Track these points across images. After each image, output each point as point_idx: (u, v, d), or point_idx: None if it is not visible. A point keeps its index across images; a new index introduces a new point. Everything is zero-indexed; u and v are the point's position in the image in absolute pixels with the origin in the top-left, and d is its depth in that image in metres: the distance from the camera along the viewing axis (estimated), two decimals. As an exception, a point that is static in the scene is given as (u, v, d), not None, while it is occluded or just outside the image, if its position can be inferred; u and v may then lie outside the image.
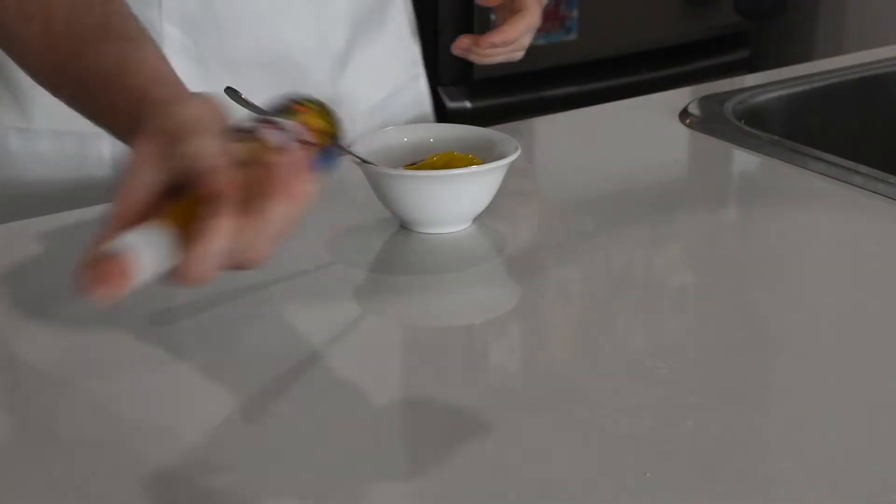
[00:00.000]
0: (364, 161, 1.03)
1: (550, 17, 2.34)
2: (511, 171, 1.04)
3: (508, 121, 1.30)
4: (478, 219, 1.05)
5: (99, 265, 0.67)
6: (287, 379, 0.85)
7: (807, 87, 1.36)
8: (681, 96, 1.33)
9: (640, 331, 0.92)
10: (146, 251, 0.67)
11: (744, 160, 1.20)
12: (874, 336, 0.89)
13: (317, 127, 0.80)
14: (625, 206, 1.10)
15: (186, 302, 0.95)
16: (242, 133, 0.75)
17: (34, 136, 1.17)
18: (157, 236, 0.68)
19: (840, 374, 0.84)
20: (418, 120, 1.29)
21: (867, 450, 0.76)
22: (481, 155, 1.05)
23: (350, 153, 1.04)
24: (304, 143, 0.77)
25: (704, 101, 1.29)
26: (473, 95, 2.35)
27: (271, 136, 0.75)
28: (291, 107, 0.81)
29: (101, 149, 1.16)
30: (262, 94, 0.91)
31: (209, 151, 0.71)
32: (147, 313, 0.93)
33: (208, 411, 0.81)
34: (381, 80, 1.25)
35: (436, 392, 0.84)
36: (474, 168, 1.02)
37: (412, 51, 1.29)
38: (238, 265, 0.72)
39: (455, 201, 1.03)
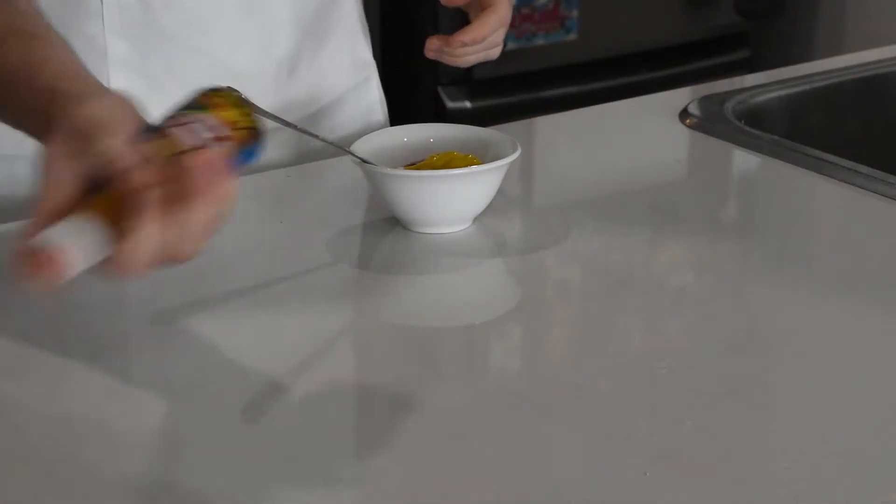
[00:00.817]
0: (364, 161, 1.03)
1: (550, 17, 2.34)
2: (511, 170, 1.04)
3: (508, 121, 1.30)
4: (478, 219, 1.05)
5: (29, 258, 0.69)
6: (287, 379, 0.85)
7: (807, 87, 1.36)
8: (681, 96, 1.33)
9: (640, 331, 0.92)
10: (75, 243, 0.70)
11: (744, 160, 1.20)
12: (874, 336, 0.89)
13: (233, 120, 0.80)
14: (625, 206, 1.10)
15: (186, 302, 0.95)
16: (154, 132, 0.75)
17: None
18: (85, 229, 0.70)
19: (840, 375, 0.84)
20: (370, 124, 1.26)
21: (867, 450, 0.76)
22: (481, 155, 1.05)
23: (350, 153, 1.04)
24: (220, 139, 0.78)
25: (704, 101, 1.29)
26: (473, 95, 2.35)
27: (184, 135, 0.76)
28: (207, 100, 0.81)
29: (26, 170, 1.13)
30: None
31: (119, 152, 0.72)
32: (147, 313, 0.93)
33: (208, 412, 0.81)
34: (328, 84, 1.23)
35: (435, 392, 0.84)
36: (474, 168, 1.02)
37: (361, 51, 1.26)
38: (168, 260, 0.73)
39: (455, 201, 1.03)
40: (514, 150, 1.03)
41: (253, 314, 0.93)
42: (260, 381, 0.85)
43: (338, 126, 1.23)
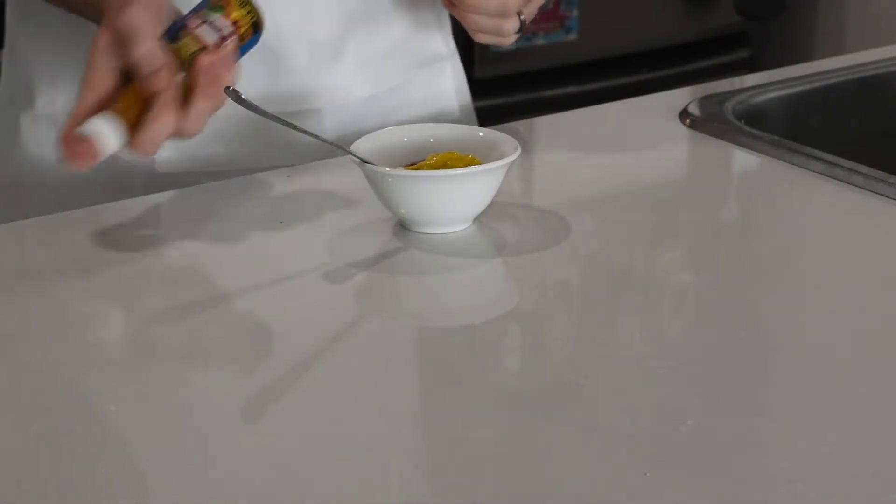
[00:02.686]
0: (364, 161, 1.03)
1: (550, 17, 2.34)
2: (511, 171, 1.04)
3: (508, 121, 1.30)
4: (478, 219, 1.05)
5: (73, 145, 0.92)
6: (287, 379, 0.85)
7: (807, 87, 1.36)
8: (681, 96, 1.33)
9: (640, 331, 0.92)
10: (108, 133, 0.92)
11: (744, 160, 1.20)
12: (874, 336, 0.89)
13: (238, 18, 1.01)
14: (625, 206, 1.10)
15: (186, 302, 0.95)
16: (177, 32, 0.97)
17: (39, 120, 1.20)
18: (115, 122, 0.93)
19: (840, 374, 0.84)
20: (441, 112, 1.28)
21: (867, 450, 0.76)
22: (481, 155, 1.05)
23: (350, 153, 1.04)
24: (227, 37, 0.99)
25: (704, 101, 1.29)
26: (473, 95, 2.35)
27: (201, 34, 0.98)
28: (219, 1, 1.00)
29: None
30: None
31: (147, 57, 0.93)
32: (147, 313, 0.93)
33: (208, 412, 0.82)
34: (382, 75, 1.24)
35: (435, 392, 0.84)
36: (474, 168, 1.02)
37: (433, 44, 1.28)
38: (175, 137, 0.95)
39: (455, 201, 1.03)
40: (514, 150, 1.03)
41: (253, 314, 0.93)
42: (260, 381, 0.85)
43: (401, 113, 1.25)
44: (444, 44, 1.30)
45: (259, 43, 1.10)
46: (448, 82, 1.31)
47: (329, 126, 1.21)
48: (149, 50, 0.94)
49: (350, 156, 1.04)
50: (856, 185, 1.11)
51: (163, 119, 0.93)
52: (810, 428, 0.78)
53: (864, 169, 1.12)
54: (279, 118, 1.05)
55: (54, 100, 1.20)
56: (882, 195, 1.09)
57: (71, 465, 0.76)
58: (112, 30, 0.95)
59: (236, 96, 1.03)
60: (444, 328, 0.94)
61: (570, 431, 0.78)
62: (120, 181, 1.19)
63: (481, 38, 1.15)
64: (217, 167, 1.20)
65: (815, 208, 1.11)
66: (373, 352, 0.89)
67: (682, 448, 0.76)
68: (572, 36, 2.41)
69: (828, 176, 1.13)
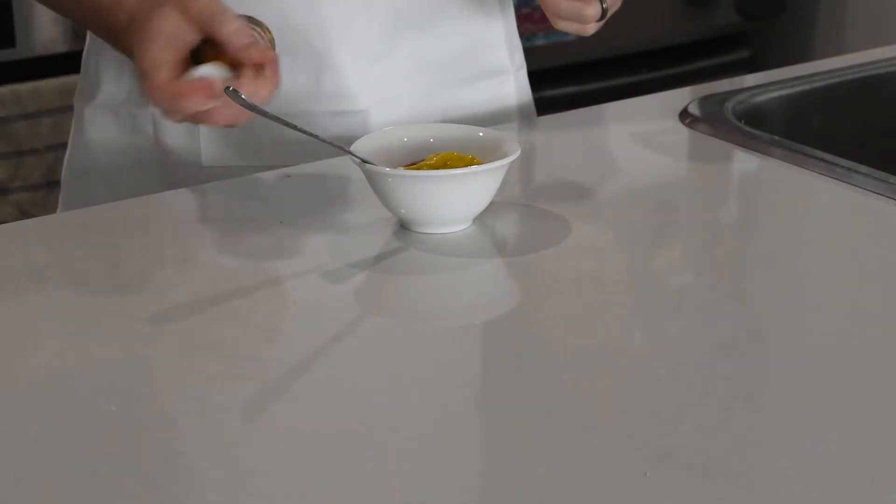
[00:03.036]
0: (364, 161, 1.03)
1: (550, 17, 2.34)
2: (511, 170, 1.04)
3: (509, 121, 1.30)
4: (478, 219, 1.05)
5: (189, 87, 0.98)
6: (287, 379, 0.85)
7: (807, 87, 1.36)
8: (681, 96, 1.33)
9: (640, 331, 0.92)
10: (216, 78, 0.99)
11: (744, 160, 1.20)
12: (874, 336, 0.89)
13: (270, 40, 1.07)
14: (625, 206, 1.10)
15: (186, 302, 0.95)
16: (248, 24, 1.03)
17: (98, 111, 1.24)
18: (220, 70, 1.00)
19: (840, 374, 0.84)
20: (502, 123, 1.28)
21: (867, 450, 0.76)
22: (481, 155, 1.05)
23: (350, 153, 1.04)
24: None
25: (704, 101, 1.29)
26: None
27: (261, 34, 1.04)
28: (253, 23, 1.05)
29: (146, 126, 1.21)
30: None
31: (240, 32, 1.00)
32: (147, 313, 0.93)
33: (208, 412, 0.81)
34: (435, 81, 1.24)
35: (435, 392, 0.84)
36: (474, 168, 1.02)
37: (496, 57, 1.28)
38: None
39: (455, 201, 1.03)
40: (514, 150, 1.03)
41: (253, 314, 0.93)
42: (260, 381, 0.85)
43: (449, 117, 1.25)
44: (508, 57, 1.29)
45: (303, 40, 1.14)
46: (510, 96, 1.30)
47: (375, 128, 1.21)
48: (238, 27, 1.00)
49: (350, 156, 1.04)
50: (856, 185, 1.11)
51: (248, 85, 1.00)
52: (810, 428, 0.78)
53: (864, 169, 1.12)
54: (279, 118, 1.05)
55: (116, 92, 1.23)
56: (882, 195, 1.09)
57: (71, 465, 0.76)
58: (180, 12, 1.00)
59: (236, 96, 1.03)
60: (444, 328, 0.94)
61: (570, 431, 0.78)
62: (169, 171, 1.21)
63: (561, 25, 1.15)
64: (266, 162, 1.21)
65: (815, 208, 1.11)
66: (373, 352, 0.89)
67: (682, 448, 0.76)
68: (572, 36, 2.40)
69: (828, 176, 1.13)
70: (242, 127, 1.14)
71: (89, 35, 1.27)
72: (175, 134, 1.21)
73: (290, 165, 1.19)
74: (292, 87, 1.16)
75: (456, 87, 1.26)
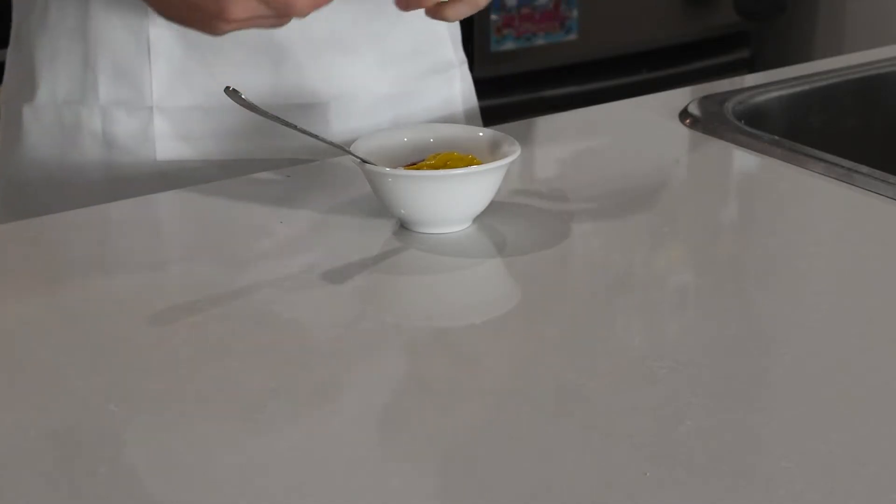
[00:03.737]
0: (364, 161, 1.03)
1: (550, 17, 2.34)
2: (511, 170, 1.04)
3: (508, 121, 1.30)
4: (478, 219, 1.05)
5: None
6: (287, 379, 0.85)
7: (807, 87, 1.36)
8: (681, 96, 1.33)
9: (640, 331, 0.92)
10: None
11: (744, 160, 1.20)
12: (874, 336, 0.89)
13: None
14: (625, 206, 1.10)
15: (186, 302, 0.95)
16: None
17: (40, 112, 1.21)
18: None
19: (840, 374, 0.84)
20: (450, 116, 1.28)
21: (867, 450, 0.76)
22: (481, 155, 1.05)
23: (350, 153, 1.04)
24: None
25: (704, 101, 1.29)
26: (473, 95, 2.35)
27: None
28: None
29: (93, 124, 1.19)
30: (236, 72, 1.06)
31: None
32: (147, 313, 0.93)
33: (208, 412, 0.82)
34: (397, 77, 1.24)
35: (435, 392, 0.84)
36: (474, 168, 1.02)
37: (443, 52, 1.28)
38: None
39: (455, 201, 1.03)
40: (514, 150, 1.03)
41: (253, 314, 0.93)
42: (259, 381, 0.85)
43: (407, 117, 1.25)
44: (454, 51, 1.30)
45: (263, 33, 1.11)
46: (456, 89, 1.31)
47: (334, 123, 1.21)
48: None
49: (350, 156, 1.04)
50: (856, 185, 1.11)
51: None
52: (810, 428, 0.78)
53: (864, 169, 1.12)
54: (278, 118, 1.05)
55: (57, 90, 1.20)
56: (882, 195, 1.09)
57: (71, 465, 0.76)
58: None
59: (236, 97, 1.03)
60: (445, 328, 0.94)
61: (570, 431, 0.78)
62: (117, 169, 1.20)
63: (452, 14, 1.08)
64: (222, 157, 1.20)
65: (815, 208, 1.11)
66: (373, 352, 0.89)
67: (682, 448, 0.76)
68: (572, 36, 2.41)
69: (828, 176, 1.13)
70: (198, 121, 1.14)
71: (15, 35, 1.24)
72: (126, 129, 1.19)
73: (253, 160, 1.19)
74: (251, 80, 1.16)
75: (414, 80, 1.26)
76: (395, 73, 1.24)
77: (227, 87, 1.04)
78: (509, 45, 2.34)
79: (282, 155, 1.20)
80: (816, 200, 1.12)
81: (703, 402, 0.81)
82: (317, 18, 1.12)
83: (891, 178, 1.10)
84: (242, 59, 1.17)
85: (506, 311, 0.97)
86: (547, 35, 2.37)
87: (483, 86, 2.35)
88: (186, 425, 0.80)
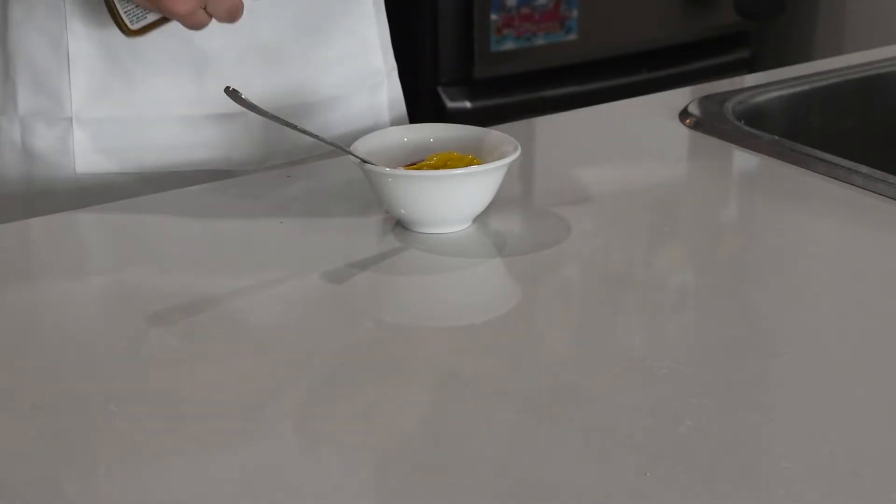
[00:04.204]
0: (364, 161, 1.03)
1: (550, 17, 2.34)
2: (511, 170, 1.04)
3: (508, 121, 1.30)
4: (478, 219, 1.05)
5: None
6: (287, 379, 0.85)
7: (807, 87, 1.36)
8: (681, 96, 1.33)
9: (640, 331, 0.92)
10: None
11: (744, 160, 1.20)
12: (874, 336, 0.89)
13: None
14: (625, 206, 1.10)
15: (186, 302, 0.95)
16: None
17: None
18: None
19: (840, 374, 0.84)
20: (375, 125, 1.26)
21: (867, 450, 0.76)
22: (481, 155, 1.05)
23: (350, 153, 1.04)
24: None
25: (704, 101, 1.29)
26: (473, 95, 2.35)
27: None
28: None
29: (13, 134, 1.17)
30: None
31: None
32: (147, 313, 0.93)
33: (208, 412, 0.81)
34: (326, 83, 1.23)
35: (435, 392, 0.84)
36: (474, 168, 1.02)
37: (372, 59, 1.27)
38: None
39: (455, 201, 1.03)
40: (514, 150, 1.03)
41: (252, 314, 0.93)
42: (259, 381, 0.85)
43: (333, 124, 1.23)
44: (383, 60, 1.28)
45: (186, 43, 1.12)
46: (383, 97, 1.29)
47: (255, 132, 1.19)
48: None
49: (350, 156, 1.04)
50: (856, 185, 1.11)
51: None
52: (810, 428, 0.78)
53: (864, 169, 1.12)
54: (279, 118, 1.05)
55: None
56: (882, 195, 1.09)
57: (71, 465, 0.76)
58: None
59: (236, 97, 1.03)
60: (445, 328, 0.94)
61: (570, 431, 0.78)
62: (36, 181, 1.18)
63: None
64: (141, 170, 1.19)
65: (815, 208, 1.11)
66: (373, 352, 0.89)
67: (682, 448, 0.76)
68: (572, 36, 2.41)
69: (828, 176, 1.13)
70: (119, 132, 1.12)
71: None
72: (46, 140, 1.17)
73: (173, 173, 1.17)
74: (175, 90, 1.15)
75: (341, 90, 1.24)
76: (320, 81, 1.22)
77: (227, 88, 1.04)
78: (509, 45, 2.34)
79: (206, 167, 1.19)
80: (816, 200, 1.12)
81: (703, 402, 0.81)
82: (241, 26, 1.10)
83: (891, 178, 1.10)
84: (164, 69, 1.15)
85: (506, 311, 0.97)
86: (547, 35, 2.36)
87: (483, 86, 2.36)
88: (186, 425, 0.80)
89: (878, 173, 1.11)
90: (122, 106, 1.16)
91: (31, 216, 1.12)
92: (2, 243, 1.05)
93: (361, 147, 1.05)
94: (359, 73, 1.25)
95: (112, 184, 1.17)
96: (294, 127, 1.05)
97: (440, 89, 2.31)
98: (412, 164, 1.06)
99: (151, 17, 1.07)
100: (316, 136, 1.05)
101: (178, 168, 1.18)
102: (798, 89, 1.35)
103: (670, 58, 2.55)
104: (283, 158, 1.21)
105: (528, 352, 0.90)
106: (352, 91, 1.25)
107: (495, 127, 1.12)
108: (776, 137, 1.20)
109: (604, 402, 0.81)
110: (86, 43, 1.14)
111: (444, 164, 1.04)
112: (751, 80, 1.40)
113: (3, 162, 1.18)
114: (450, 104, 2.33)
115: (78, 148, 1.17)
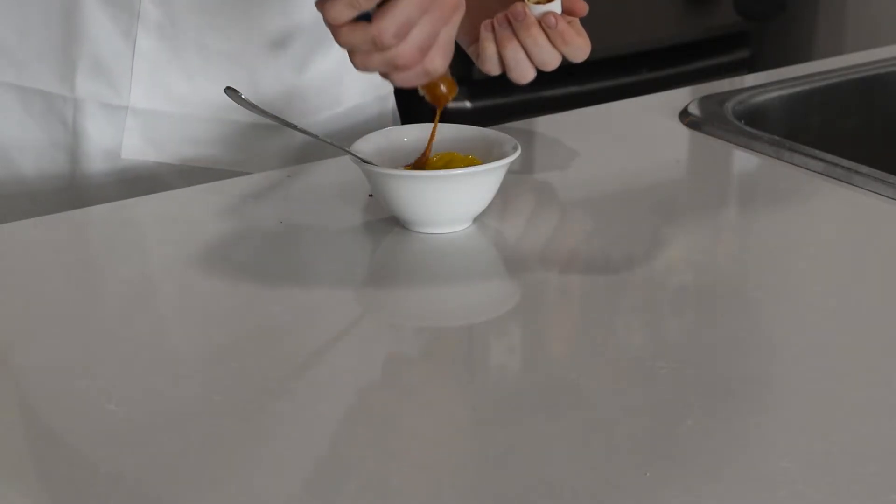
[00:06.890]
0: (364, 161, 1.03)
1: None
2: (511, 170, 1.04)
3: (508, 121, 1.30)
4: (478, 219, 1.05)
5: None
6: (287, 379, 0.85)
7: (807, 87, 1.36)
8: (681, 96, 1.33)
9: (640, 331, 0.92)
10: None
11: (744, 160, 1.20)
12: (874, 336, 0.89)
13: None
14: (625, 206, 1.10)
15: (186, 302, 0.95)
16: None
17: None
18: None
19: (840, 374, 0.84)
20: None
21: (867, 450, 0.76)
22: (481, 155, 1.05)
23: (350, 153, 1.04)
24: None
25: (704, 101, 1.29)
26: (473, 95, 2.35)
27: None
28: None
29: (64, 111, 1.18)
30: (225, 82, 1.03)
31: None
32: (146, 313, 0.93)
33: (208, 412, 0.81)
34: (341, 91, 1.25)
35: (435, 392, 0.84)
36: (474, 168, 1.02)
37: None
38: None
39: (455, 201, 1.03)
40: (514, 150, 1.03)
41: (252, 314, 0.93)
42: (259, 381, 0.85)
43: (348, 131, 1.24)
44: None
45: (242, 46, 1.12)
46: (390, 106, 1.31)
47: (278, 143, 1.20)
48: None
49: (350, 156, 1.04)
50: (856, 185, 1.11)
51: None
52: (810, 428, 0.78)
53: (864, 169, 1.12)
54: (278, 118, 1.05)
55: (21, 73, 1.18)
56: (882, 195, 1.09)
57: (71, 465, 0.76)
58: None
59: (236, 97, 1.03)
60: (444, 328, 0.94)
61: (570, 431, 0.78)
62: (81, 162, 1.19)
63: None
64: (181, 162, 1.21)
65: (815, 208, 1.11)
66: (373, 352, 0.89)
67: (682, 448, 0.76)
68: (572, 36, 2.40)
69: (828, 176, 1.13)
70: (167, 125, 1.13)
71: None
72: (97, 124, 1.18)
73: (210, 169, 1.19)
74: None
75: (357, 100, 1.27)
76: (335, 92, 1.24)
77: (227, 88, 1.04)
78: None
79: (243, 168, 1.20)
80: (816, 200, 1.12)
81: (703, 402, 0.81)
82: (287, 35, 1.14)
83: (891, 178, 1.10)
84: (223, 72, 1.16)
85: (506, 311, 0.97)
86: (547, 35, 2.36)
87: (483, 86, 2.36)
88: (186, 425, 0.80)
89: (877, 173, 1.11)
90: (177, 102, 1.18)
91: (70, 194, 1.15)
92: (2, 244, 1.05)
93: (361, 147, 1.05)
94: (370, 83, 1.26)
95: (148, 173, 1.18)
96: (294, 127, 1.05)
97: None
98: (412, 164, 1.06)
99: None
100: (316, 136, 1.05)
101: (220, 165, 1.19)
102: (798, 89, 1.35)
103: (670, 58, 2.55)
104: (281, 162, 1.21)
105: (528, 352, 0.90)
106: (363, 102, 1.26)
107: (495, 127, 1.12)
108: (776, 137, 1.20)
109: (604, 402, 0.81)
110: (156, 39, 1.15)
111: (444, 164, 1.04)
112: (751, 80, 1.40)
113: (51, 137, 1.19)
114: (450, 104, 2.33)
115: (127, 135, 1.18)
